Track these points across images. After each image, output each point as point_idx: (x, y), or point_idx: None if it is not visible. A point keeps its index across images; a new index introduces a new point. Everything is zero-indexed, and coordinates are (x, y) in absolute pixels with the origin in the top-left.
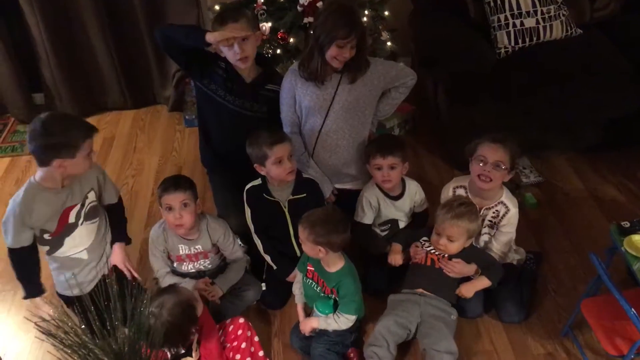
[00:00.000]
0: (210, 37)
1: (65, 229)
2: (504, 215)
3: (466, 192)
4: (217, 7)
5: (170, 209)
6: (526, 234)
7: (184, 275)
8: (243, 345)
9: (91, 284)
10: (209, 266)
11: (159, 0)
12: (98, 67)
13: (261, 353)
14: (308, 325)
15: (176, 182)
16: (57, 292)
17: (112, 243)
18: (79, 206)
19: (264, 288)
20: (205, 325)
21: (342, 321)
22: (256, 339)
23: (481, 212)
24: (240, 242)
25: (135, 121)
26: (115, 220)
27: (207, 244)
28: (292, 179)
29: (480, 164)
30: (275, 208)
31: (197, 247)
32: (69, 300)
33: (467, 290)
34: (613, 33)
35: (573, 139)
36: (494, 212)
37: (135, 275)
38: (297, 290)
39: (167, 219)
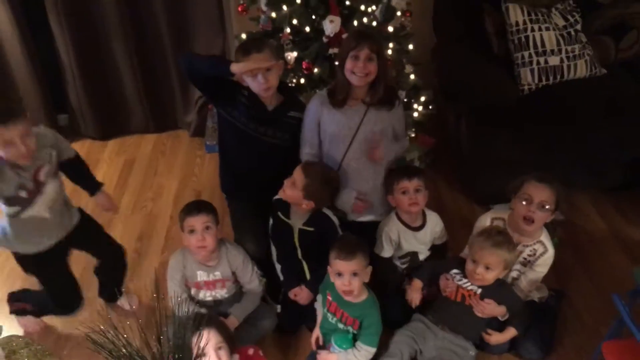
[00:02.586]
0: (235, 68)
1: (37, 189)
2: (540, 255)
3: (504, 226)
4: (243, 36)
5: (192, 231)
6: (548, 274)
7: (200, 304)
8: None
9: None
10: (226, 295)
11: (186, 27)
12: (123, 90)
13: None
14: None
15: (199, 205)
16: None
17: (91, 194)
18: (47, 165)
19: (278, 310)
20: None
21: (363, 354)
22: None
23: (518, 248)
24: (257, 270)
25: (157, 145)
26: (82, 172)
27: (226, 271)
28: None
29: (524, 203)
30: (288, 230)
31: (216, 273)
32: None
33: (496, 340)
34: (638, 73)
35: (596, 178)
36: (530, 250)
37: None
38: (319, 308)
39: (189, 242)
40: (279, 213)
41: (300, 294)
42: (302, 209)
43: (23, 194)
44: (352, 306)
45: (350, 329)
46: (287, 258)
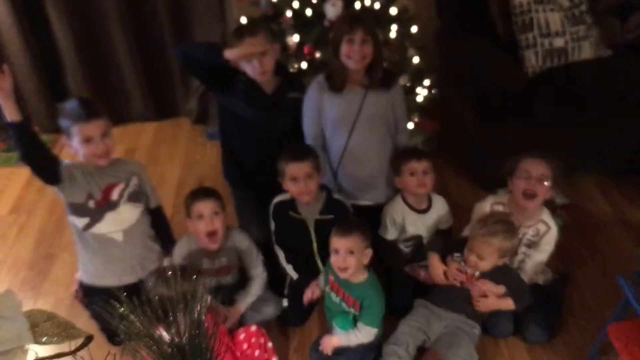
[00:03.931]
0: (228, 54)
1: (107, 204)
2: (544, 233)
3: (504, 209)
4: (243, 20)
5: (201, 217)
6: (552, 256)
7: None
8: (257, 353)
9: (125, 277)
10: (230, 281)
11: (186, 13)
12: (122, 78)
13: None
14: (329, 344)
15: (207, 191)
16: (82, 286)
17: (163, 247)
18: (122, 185)
19: (285, 304)
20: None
21: (363, 334)
22: (269, 344)
23: (521, 231)
24: (262, 257)
25: (158, 133)
26: (160, 224)
27: (232, 256)
28: (306, 200)
29: (523, 179)
30: (301, 226)
31: (221, 259)
32: (91, 292)
33: (485, 305)
34: None
35: (601, 162)
36: (533, 231)
37: None
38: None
39: (198, 228)
40: (290, 212)
41: (316, 291)
42: (313, 202)
43: (91, 203)
44: (351, 287)
45: (352, 309)
46: (298, 255)
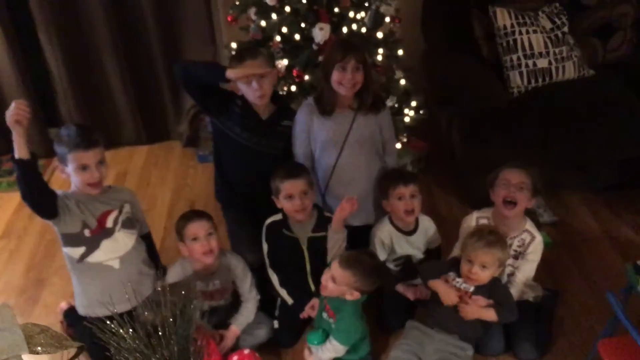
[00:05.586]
0: (230, 73)
1: (103, 232)
2: (529, 243)
3: (489, 223)
4: (233, 45)
5: (195, 238)
6: (541, 274)
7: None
8: None
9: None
10: (223, 304)
11: (176, 38)
12: (114, 102)
13: None
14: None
15: (198, 212)
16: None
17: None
18: (116, 212)
19: (276, 326)
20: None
21: (328, 348)
22: None
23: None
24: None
25: (149, 156)
26: (149, 247)
27: (226, 280)
28: (302, 218)
29: (503, 188)
30: (294, 244)
31: (215, 282)
32: (76, 322)
33: (470, 312)
34: (625, 73)
35: (588, 179)
36: (519, 241)
37: None
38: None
39: (193, 250)
40: (284, 230)
41: (316, 305)
42: (306, 220)
43: (87, 232)
44: (333, 298)
45: (330, 320)
46: (292, 278)
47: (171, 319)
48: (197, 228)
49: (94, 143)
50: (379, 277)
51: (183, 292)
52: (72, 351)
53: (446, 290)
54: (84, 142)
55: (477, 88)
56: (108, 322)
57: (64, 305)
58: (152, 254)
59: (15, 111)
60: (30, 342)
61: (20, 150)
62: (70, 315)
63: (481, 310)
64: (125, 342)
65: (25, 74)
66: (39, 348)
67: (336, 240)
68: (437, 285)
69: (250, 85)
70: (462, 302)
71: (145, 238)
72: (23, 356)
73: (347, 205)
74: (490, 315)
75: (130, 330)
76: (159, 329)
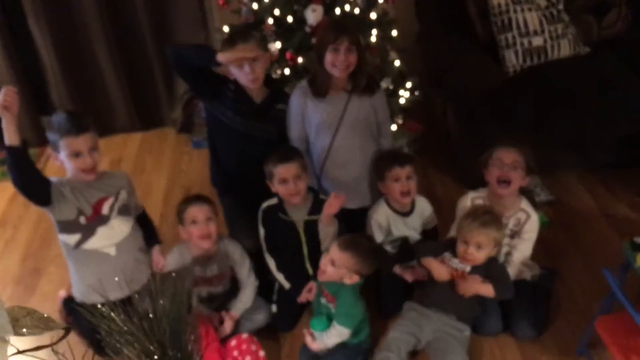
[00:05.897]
0: (221, 56)
1: (98, 219)
2: (525, 221)
3: (484, 203)
4: (225, 28)
5: (194, 222)
6: (538, 253)
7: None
8: (247, 359)
9: (116, 292)
10: (221, 290)
11: (168, 22)
12: (106, 89)
13: None
14: (311, 347)
15: (199, 197)
16: (65, 304)
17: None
18: (112, 199)
19: (274, 310)
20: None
21: (333, 333)
22: (261, 353)
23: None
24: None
25: (143, 143)
26: (146, 226)
27: (225, 265)
28: (296, 202)
29: (497, 167)
30: (290, 228)
31: (213, 268)
32: (75, 309)
33: (465, 288)
34: (621, 51)
35: (584, 157)
36: (514, 220)
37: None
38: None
39: (191, 233)
40: (280, 214)
41: (313, 288)
42: (302, 203)
43: (82, 219)
44: (329, 282)
45: (330, 305)
46: (289, 262)
47: (161, 301)
48: (196, 211)
49: (84, 128)
50: (377, 259)
51: (174, 274)
52: (60, 332)
53: (438, 267)
54: (74, 128)
55: (471, 68)
56: (99, 306)
57: (62, 293)
58: (150, 230)
59: (4, 97)
60: (17, 325)
61: (10, 137)
62: (69, 303)
63: (479, 285)
64: (116, 324)
65: (16, 62)
66: (25, 330)
67: (327, 232)
68: (430, 262)
69: (242, 69)
70: (460, 277)
71: (141, 217)
72: (10, 338)
73: (335, 202)
74: (488, 290)
75: (122, 314)
76: (149, 312)
